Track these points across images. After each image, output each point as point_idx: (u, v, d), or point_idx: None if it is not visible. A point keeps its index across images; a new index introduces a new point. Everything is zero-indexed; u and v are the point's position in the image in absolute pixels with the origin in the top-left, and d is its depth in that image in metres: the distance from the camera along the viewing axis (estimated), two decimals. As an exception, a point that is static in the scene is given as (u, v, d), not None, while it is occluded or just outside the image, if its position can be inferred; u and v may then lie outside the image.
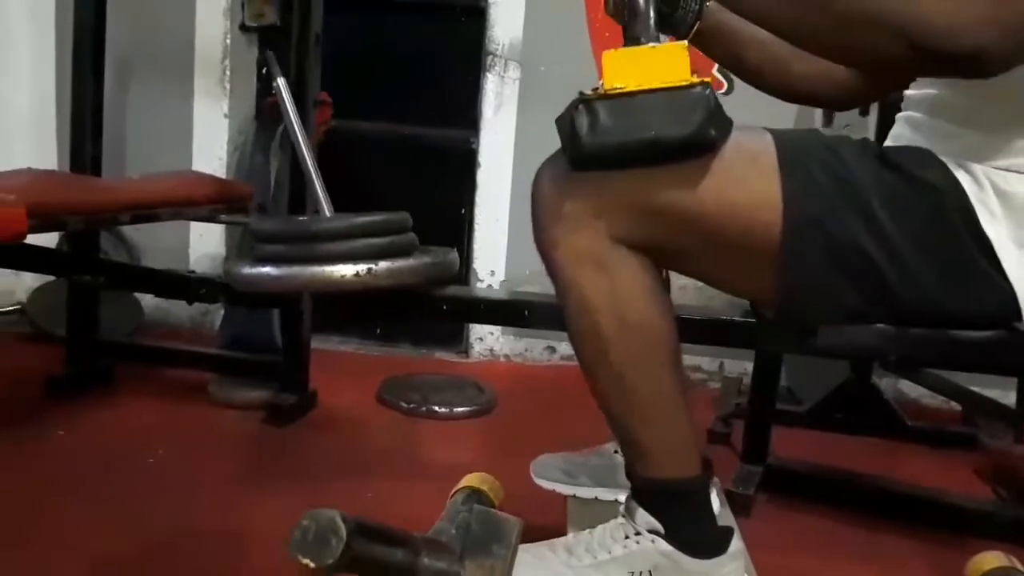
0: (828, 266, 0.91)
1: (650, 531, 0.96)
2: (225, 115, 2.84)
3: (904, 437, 2.21)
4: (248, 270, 1.40)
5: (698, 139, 0.85)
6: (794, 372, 2.46)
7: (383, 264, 1.35)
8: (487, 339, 2.89)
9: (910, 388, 2.64)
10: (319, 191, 1.64)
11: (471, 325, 2.89)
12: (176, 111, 2.83)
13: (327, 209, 1.63)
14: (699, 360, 2.69)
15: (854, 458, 1.99)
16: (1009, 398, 2.29)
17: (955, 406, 2.56)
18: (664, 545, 0.95)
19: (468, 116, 2.85)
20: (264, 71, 2.69)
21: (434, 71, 2.90)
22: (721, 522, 1.00)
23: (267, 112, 2.61)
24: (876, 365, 2.26)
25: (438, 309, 1.48)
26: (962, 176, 0.93)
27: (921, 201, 0.92)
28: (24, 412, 2.00)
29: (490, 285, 2.87)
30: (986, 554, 1.32)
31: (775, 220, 0.90)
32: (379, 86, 2.89)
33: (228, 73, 2.83)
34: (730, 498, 1.37)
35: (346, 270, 1.33)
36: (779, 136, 0.93)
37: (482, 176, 2.83)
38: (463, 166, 2.84)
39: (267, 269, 1.39)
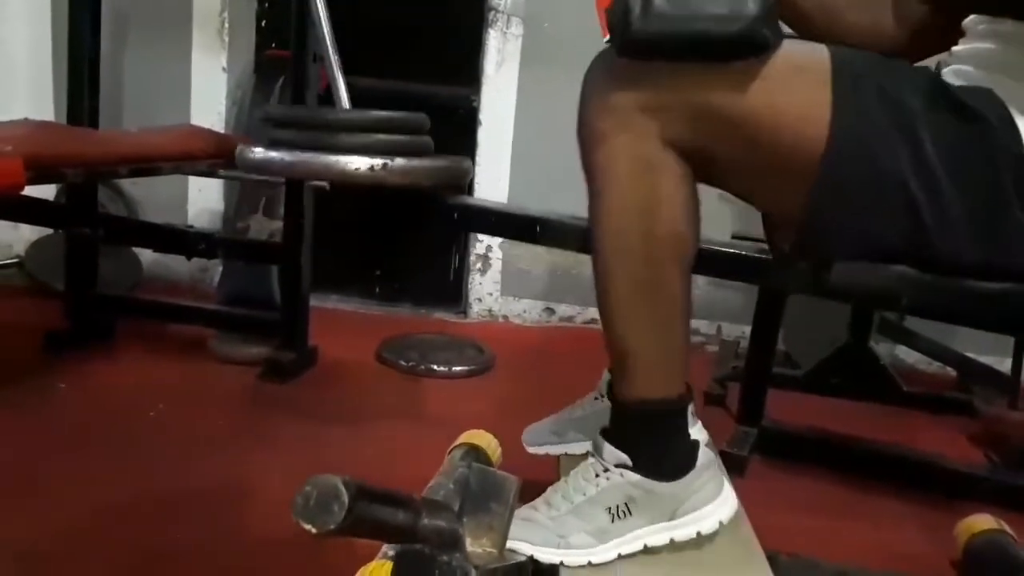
0: (866, 189, 0.90)
1: (618, 465, 0.97)
2: (224, 69, 2.80)
3: (899, 402, 2.22)
4: (259, 153, 1.35)
5: (749, 36, 0.83)
6: (792, 336, 2.47)
7: (399, 161, 1.31)
8: (486, 300, 2.89)
9: (906, 353, 2.65)
10: (340, 84, 1.59)
11: (470, 285, 2.89)
12: (174, 64, 2.79)
13: (345, 102, 1.58)
14: (697, 323, 2.69)
15: (849, 422, 2.00)
16: (1004, 365, 2.30)
17: (950, 372, 2.58)
18: (633, 476, 0.96)
19: (469, 73, 2.81)
20: (263, 24, 2.65)
21: (435, 26, 2.85)
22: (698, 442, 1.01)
23: (266, 66, 2.58)
24: (874, 330, 2.27)
25: (448, 216, 1.45)
26: (1020, 120, 0.90)
27: (971, 136, 0.90)
28: (25, 365, 2.01)
29: (489, 245, 2.86)
30: (976, 517, 1.34)
31: (820, 134, 0.88)
32: (379, 41, 2.84)
33: (227, 26, 2.79)
34: (724, 459, 1.37)
35: (360, 163, 1.29)
36: (836, 52, 0.92)
37: (483, 135, 2.80)
38: (464, 124, 2.82)
39: (279, 154, 1.34)
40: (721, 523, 0.98)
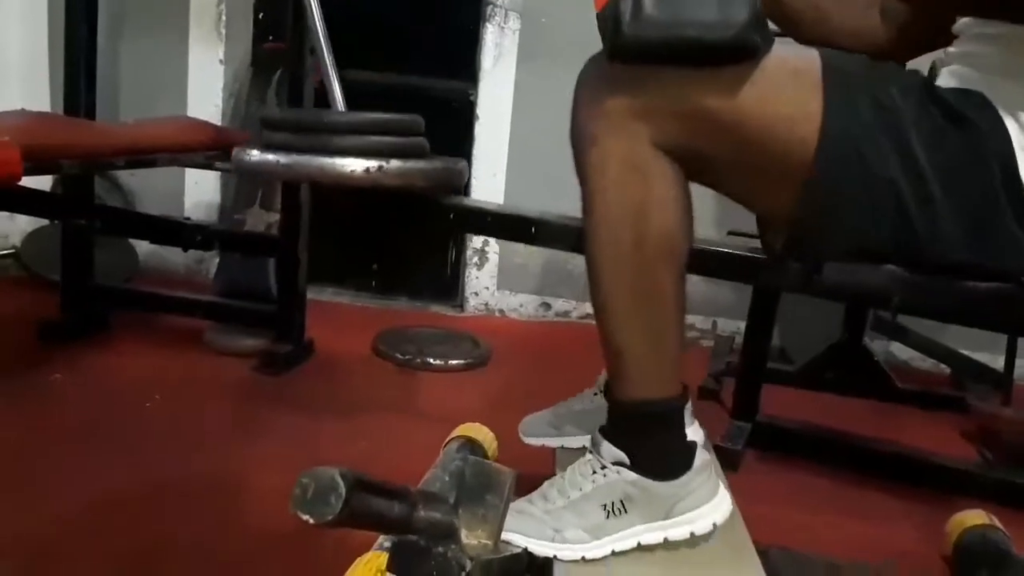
0: (856, 192, 0.91)
1: (615, 463, 0.97)
2: (221, 61, 2.80)
3: (893, 398, 2.24)
4: (255, 156, 1.36)
5: (740, 42, 0.84)
6: (787, 332, 2.48)
7: (394, 163, 1.31)
8: (482, 294, 2.89)
9: (900, 350, 2.66)
10: (335, 86, 1.59)
11: (466, 279, 2.89)
12: (171, 56, 2.79)
13: (340, 104, 1.59)
14: (693, 319, 2.71)
15: (843, 418, 2.01)
16: (998, 362, 2.31)
17: (944, 369, 2.59)
18: (630, 474, 0.96)
19: (467, 67, 2.81)
20: (260, 16, 2.65)
21: (433, 20, 2.85)
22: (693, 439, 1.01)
23: (264, 58, 2.58)
24: (868, 327, 2.28)
25: (444, 217, 1.45)
26: (1010, 123, 0.91)
27: (961, 141, 0.91)
28: (20, 356, 2.01)
29: (486, 240, 2.87)
30: (967, 512, 1.35)
31: (811, 137, 0.89)
32: (376, 35, 2.84)
33: (224, 18, 2.78)
34: (719, 453, 1.39)
35: (356, 165, 1.29)
36: (826, 55, 0.92)
37: (480, 129, 2.81)
38: (461, 118, 2.82)
39: (275, 156, 1.35)
40: (715, 525, 0.99)
